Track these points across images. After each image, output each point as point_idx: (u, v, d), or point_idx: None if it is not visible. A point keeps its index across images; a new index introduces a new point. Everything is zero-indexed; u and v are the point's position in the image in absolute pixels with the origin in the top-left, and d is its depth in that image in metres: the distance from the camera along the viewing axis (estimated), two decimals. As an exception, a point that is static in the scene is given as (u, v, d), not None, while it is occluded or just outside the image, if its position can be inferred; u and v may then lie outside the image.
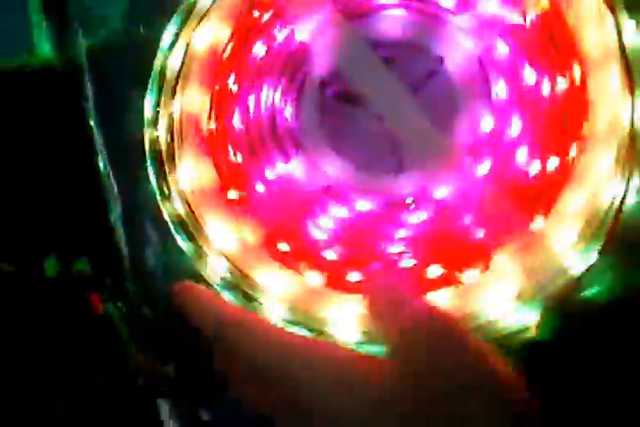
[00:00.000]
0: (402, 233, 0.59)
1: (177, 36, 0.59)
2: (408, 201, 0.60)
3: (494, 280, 0.54)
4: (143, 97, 0.59)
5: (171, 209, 0.57)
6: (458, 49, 0.61)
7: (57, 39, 0.64)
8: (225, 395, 0.57)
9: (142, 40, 0.60)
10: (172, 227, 0.57)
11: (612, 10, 0.52)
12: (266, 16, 0.61)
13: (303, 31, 0.61)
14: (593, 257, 0.53)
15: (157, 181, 0.58)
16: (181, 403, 0.60)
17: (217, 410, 0.60)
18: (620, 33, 0.51)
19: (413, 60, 0.61)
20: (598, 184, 0.52)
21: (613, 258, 0.54)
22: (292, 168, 0.61)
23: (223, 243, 0.56)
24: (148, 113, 0.59)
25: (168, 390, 0.61)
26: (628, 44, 0.51)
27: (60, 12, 0.63)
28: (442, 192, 0.59)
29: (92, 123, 0.62)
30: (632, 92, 0.51)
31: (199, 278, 0.56)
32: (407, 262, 0.58)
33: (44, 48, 0.65)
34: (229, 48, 0.60)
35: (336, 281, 0.56)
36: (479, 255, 0.56)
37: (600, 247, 0.53)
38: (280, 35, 0.62)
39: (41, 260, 0.63)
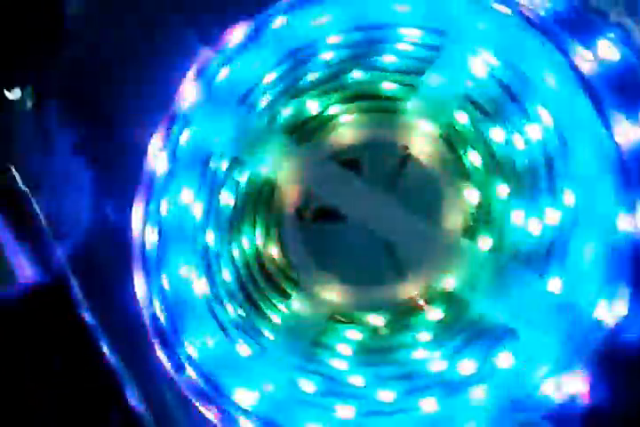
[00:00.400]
0: (423, 336, 0.56)
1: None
2: (419, 302, 0.57)
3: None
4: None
5: (187, 379, 0.56)
6: (418, 133, 0.59)
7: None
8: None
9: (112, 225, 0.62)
10: (194, 398, 0.56)
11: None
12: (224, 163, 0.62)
13: (262, 167, 0.61)
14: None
15: (168, 356, 0.58)
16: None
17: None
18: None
19: (381, 156, 0.60)
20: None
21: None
22: (293, 305, 0.59)
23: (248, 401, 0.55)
24: (140, 293, 0.59)
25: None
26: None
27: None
28: (452, 282, 0.56)
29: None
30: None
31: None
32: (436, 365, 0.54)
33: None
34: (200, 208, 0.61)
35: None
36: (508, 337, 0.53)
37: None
38: (242, 178, 0.62)
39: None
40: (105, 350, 0.62)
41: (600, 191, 0.53)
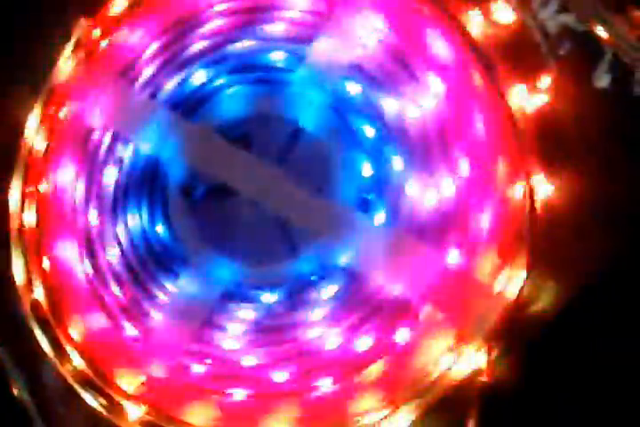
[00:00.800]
0: (318, 313, 0.54)
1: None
2: (313, 278, 0.55)
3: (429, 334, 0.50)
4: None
5: (71, 367, 0.54)
6: (310, 106, 0.58)
7: None
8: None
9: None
10: (77, 386, 0.54)
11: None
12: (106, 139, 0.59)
13: (146, 144, 0.58)
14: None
15: (49, 344, 0.55)
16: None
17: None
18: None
19: (270, 129, 0.58)
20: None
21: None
22: (183, 285, 0.57)
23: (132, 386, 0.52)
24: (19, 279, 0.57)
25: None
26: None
27: None
28: (346, 257, 0.54)
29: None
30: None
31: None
32: (332, 343, 0.53)
33: None
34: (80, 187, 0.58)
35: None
36: (405, 313, 0.52)
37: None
38: (126, 155, 0.59)
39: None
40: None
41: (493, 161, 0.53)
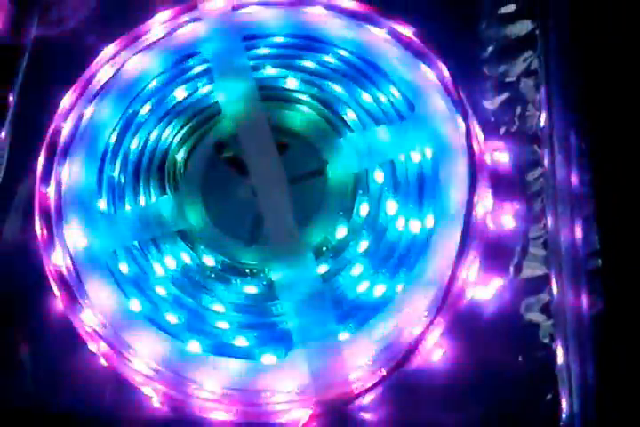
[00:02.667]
0: (231, 297, 0.65)
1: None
2: (246, 270, 0.66)
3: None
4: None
5: (55, 262, 0.65)
6: (341, 161, 0.68)
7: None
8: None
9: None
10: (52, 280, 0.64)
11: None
12: (198, 68, 0.70)
13: (221, 95, 0.69)
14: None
15: (44, 234, 0.66)
16: None
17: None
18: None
19: (303, 155, 0.69)
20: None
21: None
22: (161, 201, 0.68)
23: (101, 303, 0.64)
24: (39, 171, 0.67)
25: None
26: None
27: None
28: (275, 275, 0.64)
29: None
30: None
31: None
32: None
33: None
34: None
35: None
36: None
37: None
38: (201, 88, 0.70)
39: None
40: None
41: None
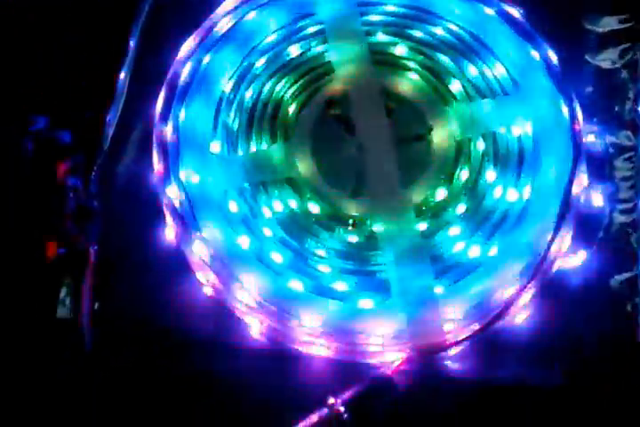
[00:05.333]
0: (334, 244, 0.69)
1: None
2: (349, 220, 0.70)
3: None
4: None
5: (170, 195, 0.68)
6: (446, 128, 0.71)
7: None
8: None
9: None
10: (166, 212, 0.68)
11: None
12: (313, 28, 0.73)
13: (334, 55, 0.72)
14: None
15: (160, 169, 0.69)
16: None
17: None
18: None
19: (409, 120, 0.72)
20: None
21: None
22: (273, 150, 0.71)
23: (211, 237, 0.67)
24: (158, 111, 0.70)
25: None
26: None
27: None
28: (377, 227, 0.68)
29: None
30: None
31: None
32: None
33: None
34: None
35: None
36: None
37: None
38: (314, 47, 0.73)
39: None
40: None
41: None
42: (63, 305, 0.67)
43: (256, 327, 0.66)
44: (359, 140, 0.70)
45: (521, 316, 0.65)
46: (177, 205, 0.68)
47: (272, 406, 0.64)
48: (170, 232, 0.69)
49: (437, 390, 0.63)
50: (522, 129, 0.70)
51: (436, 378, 0.64)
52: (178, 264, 0.68)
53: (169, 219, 0.69)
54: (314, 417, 0.59)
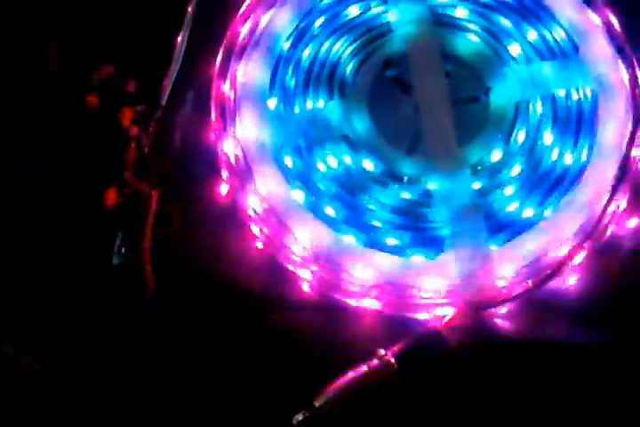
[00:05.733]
0: (388, 200, 0.69)
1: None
2: (404, 178, 0.70)
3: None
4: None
5: (227, 150, 0.69)
6: (504, 89, 0.71)
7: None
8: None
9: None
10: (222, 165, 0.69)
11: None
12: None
13: (394, 16, 0.72)
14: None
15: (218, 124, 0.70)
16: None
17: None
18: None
19: (467, 81, 0.72)
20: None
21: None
22: (330, 107, 0.72)
23: (266, 190, 0.68)
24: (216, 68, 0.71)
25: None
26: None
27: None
28: (432, 185, 0.69)
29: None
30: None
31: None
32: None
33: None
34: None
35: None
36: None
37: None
38: (374, 8, 0.73)
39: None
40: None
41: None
42: (120, 253, 0.68)
43: (308, 280, 0.67)
44: (416, 101, 0.70)
45: (572, 276, 0.65)
46: (233, 160, 0.68)
47: (321, 358, 0.64)
48: (225, 187, 0.70)
49: (486, 347, 0.63)
50: (581, 92, 0.69)
51: (486, 335, 0.64)
52: (232, 218, 0.69)
53: (224, 173, 0.69)
54: (363, 367, 0.59)
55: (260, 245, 0.68)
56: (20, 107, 0.73)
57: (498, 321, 0.64)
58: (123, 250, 0.69)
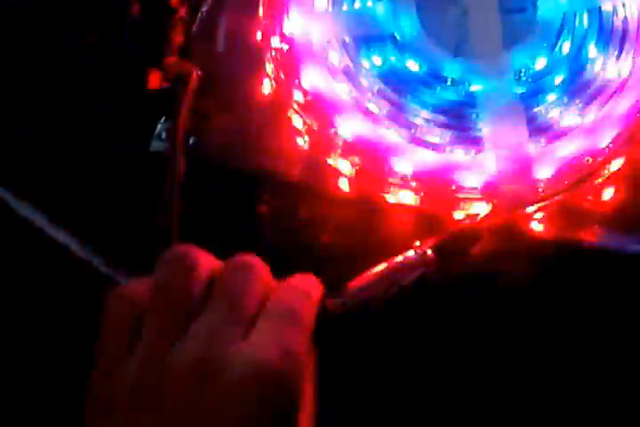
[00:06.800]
0: (431, 99, 0.70)
1: None
2: (448, 79, 0.70)
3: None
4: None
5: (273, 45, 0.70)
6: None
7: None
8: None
9: None
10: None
11: None
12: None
13: None
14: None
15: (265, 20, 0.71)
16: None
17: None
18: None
19: None
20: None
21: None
22: (377, 6, 0.71)
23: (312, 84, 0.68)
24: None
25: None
26: None
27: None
28: (475, 87, 0.70)
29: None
30: None
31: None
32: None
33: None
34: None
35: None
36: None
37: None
38: None
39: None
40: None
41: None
42: (159, 138, 0.69)
43: (347, 174, 0.68)
44: (465, 4, 0.70)
45: (607, 182, 0.66)
46: (279, 55, 0.69)
47: (356, 252, 0.66)
48: (269, 82, 0.71)
49: (521, 249, 0.64)
50: (628, 7, 0.69)
51: (520, 237, 0.65)
52: (275, 112, 0.70)
53: (269, 68, 0.70)
54: (400, 257, 0.60)
55: (302, 140, 0.69)
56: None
57: (533, 225, 0.65)
58: (163, 135, 0.69)
